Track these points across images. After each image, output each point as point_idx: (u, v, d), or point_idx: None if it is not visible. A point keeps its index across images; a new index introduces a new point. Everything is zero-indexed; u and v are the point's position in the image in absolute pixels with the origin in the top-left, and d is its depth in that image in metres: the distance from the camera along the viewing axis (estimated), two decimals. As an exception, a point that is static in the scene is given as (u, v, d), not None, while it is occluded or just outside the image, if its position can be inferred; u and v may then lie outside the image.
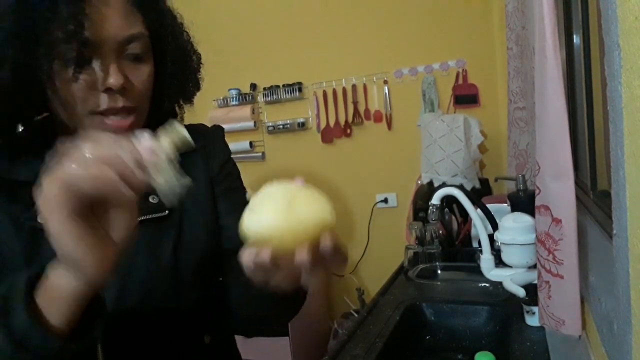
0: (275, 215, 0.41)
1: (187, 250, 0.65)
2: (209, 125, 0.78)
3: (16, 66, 0.50)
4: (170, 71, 0.63)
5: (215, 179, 0.72)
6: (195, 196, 0.68)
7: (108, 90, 0.54)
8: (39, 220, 0.49)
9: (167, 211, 0.64)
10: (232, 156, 0.79)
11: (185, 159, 0.67)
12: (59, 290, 0.42)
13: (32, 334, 0.41)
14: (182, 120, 0.72)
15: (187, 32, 0.67)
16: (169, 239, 0.63)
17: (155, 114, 0.63)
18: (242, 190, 0.78)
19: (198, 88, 0.70)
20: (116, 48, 0.54)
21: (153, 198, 0.63)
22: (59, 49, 0.50)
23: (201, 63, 0.70)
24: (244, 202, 0.71)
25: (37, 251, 0.54)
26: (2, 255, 0.54)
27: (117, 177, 0.39)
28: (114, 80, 0.53)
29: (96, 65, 0.53)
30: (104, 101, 0.54)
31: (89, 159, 0.39)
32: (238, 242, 0.65)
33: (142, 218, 0.60)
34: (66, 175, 0.39)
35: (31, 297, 0.43)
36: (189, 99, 0.70)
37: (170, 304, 0.62)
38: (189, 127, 0.70)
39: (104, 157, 0.39)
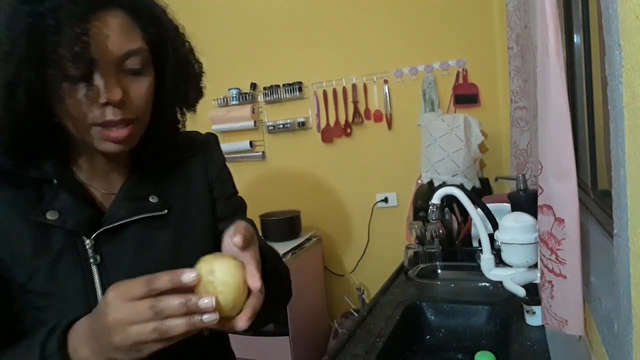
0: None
1: (185, 248, 0.70)
2: (205, 124, 0.84)
3: (29, 87, 0.53)
4: (170, 82, 0.65)
5: (214, 184, 0.78)
6: (194, 199, 0.74)
7: (107, 104, 0.57)
8: (47, 216, 0.59)
9: (166, 210, 0.68)
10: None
11: (185, 165, 0.75)
12: None
13: None
14: (183, 126, 0.75)
15: (188, 42, 0.69)
16: (168, 236, 0.68)
17: (157, 122, 0.67)
18: (237, 194, 0.84)
19: (200, 96, 0.73)
20: (115, 64, 0.57)
21: (153, 198, 0.68)
22: (64, 68, 0.53)
23: (203, 72, 0.72)
24: (240, 207, 0.81)
25: (45, 244, 0.60)
26: (12, 247, 0.58)
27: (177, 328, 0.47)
28: (113, 95, 0.56)
29: (97, 80, 0.56)
30: (103, 114, 0.57)
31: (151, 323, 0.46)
32: None
33: (143, 216, 0.66)
34: (135, 337, 0.46)
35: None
36: (191, 107, 0.72)
37: None
38: (185, 134, 0.76)
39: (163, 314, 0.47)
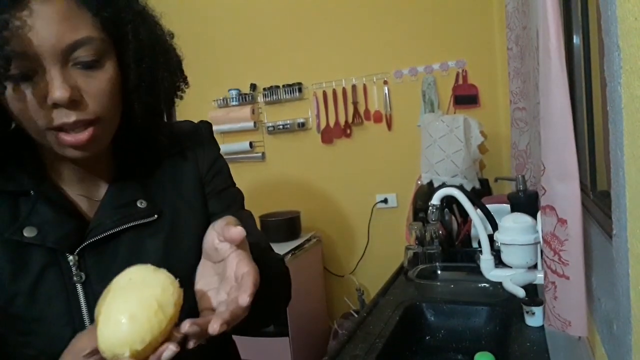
0: None
1: (178, 253, 0.64)
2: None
3: None
4: (133, 72, 0.56)
5: (205, 179, 0.71)
6: (185, 199, 0.67)
7: (56, 105, 0.49)
8: (24, 234, 0.53)
9: (155, 215, 0.62)
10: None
11: (173, 162, 0.69)
12: None
13: None
14: (169, 118, 0.68)
15: (159, 25, 0.61)
16: (159, 243, 0.62)
17: (132, 120, 0.60)
18: (233, 186, 0.76)
19: (181, 85, 0.64)
20: (59, 58, 0.49)
21: (141, 203, 0.62)
22: None
23: (181, 58, 0.64)
24: (235, 199, 0.74)
25: (24, 265, 0.54)
26: None
27: None
28: (58, 94, 0.48)
29: (38, 79, 0.49)
30: (55, 117, 0.50)
31: None
32: None
33: (132, 224, 0.60)
34: None
35: None
36: (169, 99, 0.64)
37: None
38: (175, 125, 0.70)
39: None
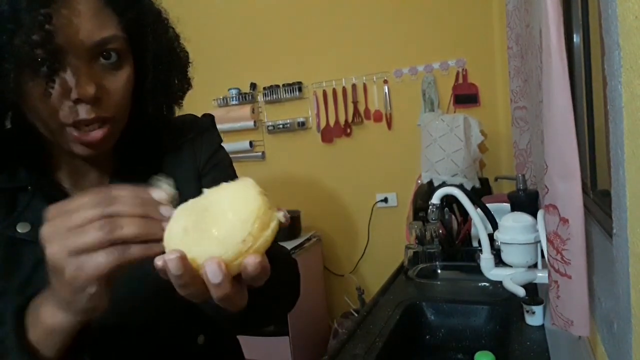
0: None
1: None
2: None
3: None
4: (151, 74, 0.58)
5: (203, 170, 0.69)
6: (182, 192, 0.66)
7: (78, 101, 0.49)
8: (17, 229, 0.52)
9: None
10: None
11: (172, 155, 0.68)
12: (53, 326, 0.42)
13: None
14: (170, 120, 0.69)
15: (172, 29, 0.62)
16: None
17: (138, 119, 0.60)
18: (234, 178, 0.75)
19: (187, 88, 0.66)
20: (86, 54, 0.49)
21: None
22: (24, 60, 0.45)
23: (189, 61, 0.65)
24: None
25: (16, 261, 0.53)
26: None
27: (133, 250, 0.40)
28: (85, 90, 0.49)
29: (66, 74, 0.48)
30: (75, 113, 0.50)
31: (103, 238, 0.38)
32: None
33: None
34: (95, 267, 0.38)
35: (24, 337, 0.42)
36: (177, 101, 0.65)
37: (159, 305, 0.59)
38: (177, 119, 0.70)
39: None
